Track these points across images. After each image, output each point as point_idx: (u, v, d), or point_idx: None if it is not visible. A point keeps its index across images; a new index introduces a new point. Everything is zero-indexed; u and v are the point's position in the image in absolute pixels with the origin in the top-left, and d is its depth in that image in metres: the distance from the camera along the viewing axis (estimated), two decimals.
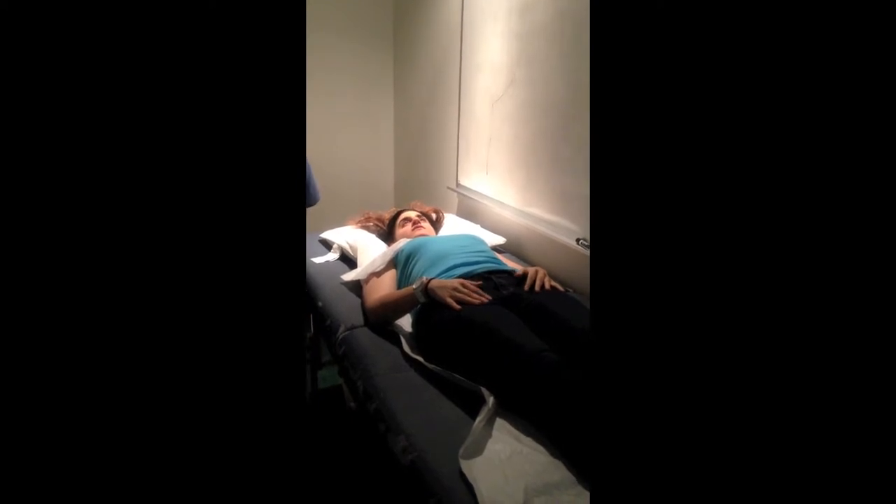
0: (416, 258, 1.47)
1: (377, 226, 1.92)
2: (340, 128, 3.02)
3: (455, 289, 1.22)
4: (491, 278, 1.34)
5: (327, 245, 1.99)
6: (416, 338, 1.28)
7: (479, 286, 1.26)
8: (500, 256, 1.60)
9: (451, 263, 1.40)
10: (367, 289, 1.45)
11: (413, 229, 1.76)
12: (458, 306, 1.18)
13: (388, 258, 1.52)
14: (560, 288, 1.36)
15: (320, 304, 1.54)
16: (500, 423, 0.95)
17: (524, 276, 1.35)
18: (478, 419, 0.93)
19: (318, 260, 1.84)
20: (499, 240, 1.99)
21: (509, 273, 1.39)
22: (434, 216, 1.94)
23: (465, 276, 1.34)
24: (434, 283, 1.25)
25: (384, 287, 1.43)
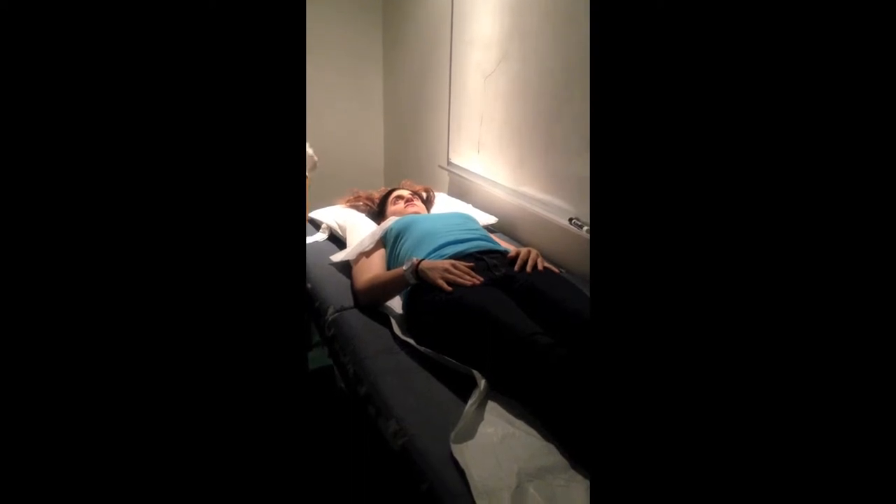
0: (405, 237, 1.45)
1: (367, 205, 1.88)
2: (329, 105, 2.95)
3: (446, 270, 1.20)
4: (483, 259, 1.32)
5: (316, 225, 1.95)
6: (407, 320, 1.26)
7: (471, 267, 1.24)
8: (492, 236, 1.57)
9: (440, 242, 1.38)
10: (356, 269, 1.42)
11: (406, 206, 1.73)
12: (449, 288, 1.16)
13: (376, 237, 1.49)
14: (553, 269, 1.34)
15: (309, 285, 1.51)
16: (492, 406, 0.94)
17: (517, 256, 1.33)
18: (469, 402, 0.92)
19: (307, 240, 1.81)
20: (491, 219, 1.96)
21: (502, 253, 1.37)
22: (425, 195, 1.90)
23: (455, 255, 1.32)
24: (425, 265, 1.23)
25: (374, 267, 1.40)
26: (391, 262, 1.45)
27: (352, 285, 1.41)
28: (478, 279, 1.20)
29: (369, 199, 1.89)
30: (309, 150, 1.20)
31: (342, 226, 1.79)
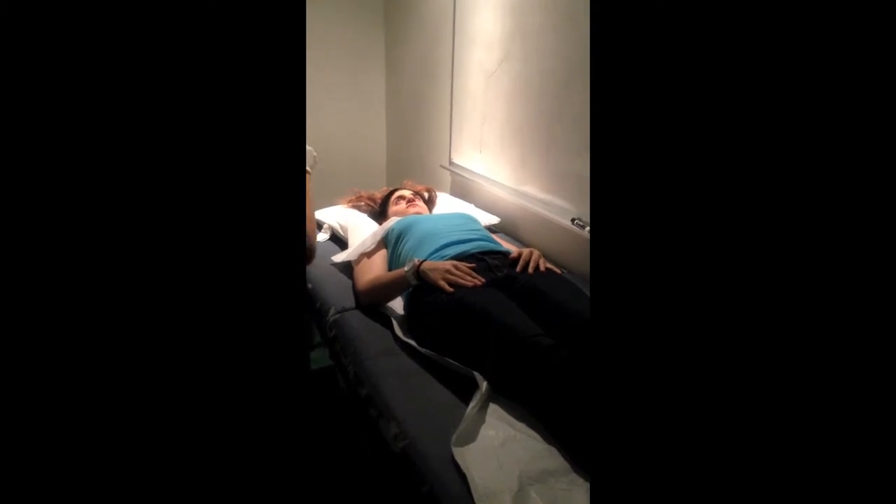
0: (406, 237, 1.44)
1: (369, 205, 1.88)
2: (330, 104, 2.94)
3: (448, 271, 1.19)
4: (485, 259, 1.31)
5: (318, 225, 1.95)
6: (408, 321, 1.26)
7: (472, 268, 1.23)
8: (494, 237, 1.57)
9: (442, 242, 1.37)
10: (357, 270, 1.42)
11: (407, 206, 1.72)
12: (450, 289, 1.15)
13: (378, 237, 1.49)
14: (555, 269, 1.34)
15: (310, 285, 1.51)
16: (494, 409, 0.93)
17: (519, 257, 1.32)
18: (471, 405, 0.91)
19: None
20: (493, 219, 1.96)
21: (504, 254, 1.36)
22: (427, 195, 1.90)
23: (457, 256, 1.31)
24: (426, 266, 1.22)
25: (375, 268, 1.40)
26: (392, 262, 1.44)
27: (353, 286, 1.40)
28: (479, 280, 1.20)
29: (371, 199, 1.88)
30: (307, 147, 1.20)
31: (344, 226, 1.79)
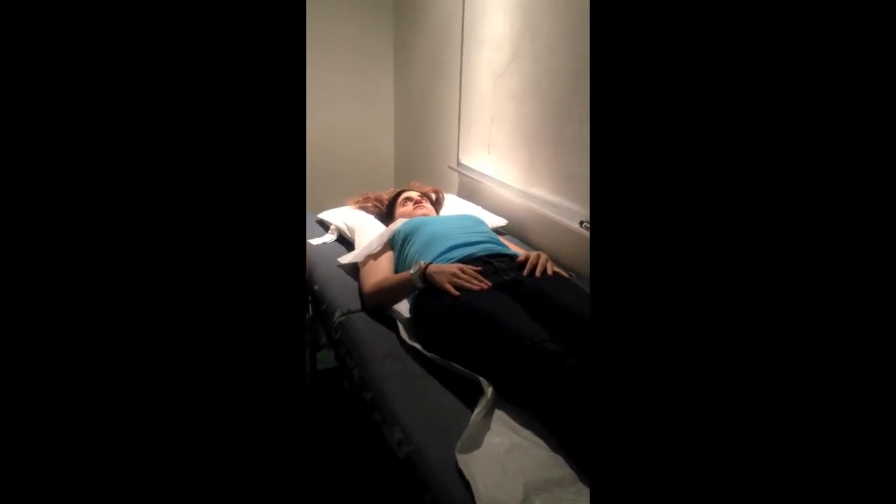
0: (413, 239, 1.43)
1: (376, 206, 1.87)
2: (338, 104, 2.95)
3: (454, 274, 1.18)
4: (491, 262, 1.30)
5: (325, 226, 1.94)
6: (414, 324, 1.25)
7: (478, 271, 1.22)
8: (501, 239, 1.55)
9: (449, 244, 1.36)
10: (363, 272, 1.41)
11: (414, 208, 1.71)
12: (456, 292, 1.14)
13: (384, 239, 1.48)
14: (563, 273, 1.32)
15: (316, 287, 1.50)
16: (499, 415, 0.92)
17: (526, 260, 1.31)
18: (476, 411, 0.90)
19: (315, 241, 1.80)
20: (500, 221, 1.94)
21: (511, 257, 1.35)
22: (434, 196, 1.89)
23: (464, 258, 1.30)
24: (432, 268, 1.21)
25: (381, 270, 1.39)
26: (399, 264, 1.43)
27: (359, 288, 1.40)
28: (485, 283, 1.18)
29: (378, 200, 1.88)
30: None
31: (351, 227, 1.78)
